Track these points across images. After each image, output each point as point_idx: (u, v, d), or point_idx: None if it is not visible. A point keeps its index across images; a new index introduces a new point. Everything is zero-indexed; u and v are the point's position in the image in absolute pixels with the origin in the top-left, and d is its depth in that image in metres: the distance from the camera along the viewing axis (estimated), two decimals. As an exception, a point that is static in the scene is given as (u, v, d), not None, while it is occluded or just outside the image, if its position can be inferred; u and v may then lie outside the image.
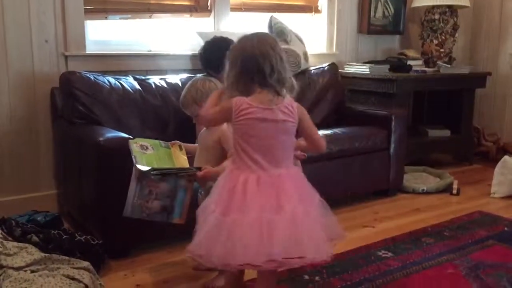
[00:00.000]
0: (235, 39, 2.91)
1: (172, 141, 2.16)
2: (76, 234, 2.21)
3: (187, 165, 2.09)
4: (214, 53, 2.76)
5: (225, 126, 1.96)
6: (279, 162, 1.64)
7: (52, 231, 2.16)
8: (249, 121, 1.61)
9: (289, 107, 1.66)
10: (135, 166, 1.90)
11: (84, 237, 2.21)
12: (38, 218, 2.43)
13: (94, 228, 2.39)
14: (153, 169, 1.90)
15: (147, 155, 2.00)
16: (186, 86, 2.15)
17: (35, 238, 2.08)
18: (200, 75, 2.84)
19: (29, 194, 2.83)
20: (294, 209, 1.57)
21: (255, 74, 1.62)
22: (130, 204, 1.93)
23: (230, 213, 1.56)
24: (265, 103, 1.62)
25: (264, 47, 1.63)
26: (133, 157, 1.95)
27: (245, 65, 1.63)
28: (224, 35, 3.17)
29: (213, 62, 2.74)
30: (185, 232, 2.41)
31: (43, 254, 1.96)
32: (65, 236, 2.17)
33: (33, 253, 1.95)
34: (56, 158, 2.87)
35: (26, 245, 2.00)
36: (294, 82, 1.70)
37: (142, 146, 2.02)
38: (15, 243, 1.99)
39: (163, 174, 1.92)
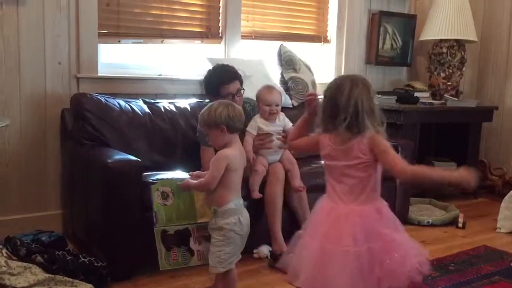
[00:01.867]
0: (244, 66, 2.98)
1: (191, 174, 2.14)
2: (80, 256, 2.21)
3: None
4: (213, 80, 2.80)
5: (225, 151, 1.98)
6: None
7: (57, 252, 2.16)
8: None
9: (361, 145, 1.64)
10: (155, 228, 2.06)
11: (88, 258, 2.20)
12: (43, 238, 2.43)
13: (98, 250, 2.39)
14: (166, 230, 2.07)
15: (167, 208, 2.07)
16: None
17: (39, 258, 2.08)
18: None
19: (35, 214, 2.84)
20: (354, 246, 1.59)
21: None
22: (159, 259, 2.08)
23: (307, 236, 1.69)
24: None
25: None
26: (153, 214, 2.05)
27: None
28: (234, 62, 3.23)
29: (212, 88, 2.78)
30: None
31: (46, 275, 1.96)
32: (69, 257, 2.17)
33: (37, 274, 1.95)
34: (63, 179, 2.89)
35: (30, 265, 2.00)
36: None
37: (163, 194, 2.07)
38: (20, 263, 2.00)
39: (176, 232, 2.07)
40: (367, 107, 1.64)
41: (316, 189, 2.79)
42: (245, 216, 2.00)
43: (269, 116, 2.69)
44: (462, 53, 4.12)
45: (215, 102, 2.07)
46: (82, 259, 2.19)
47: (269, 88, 2.76)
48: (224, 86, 2.70)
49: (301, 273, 1.66)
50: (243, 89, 2.81)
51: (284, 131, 2.73)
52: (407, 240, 1.68)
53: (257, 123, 2.69)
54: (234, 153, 1.97)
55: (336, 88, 1.67)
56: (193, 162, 2.84)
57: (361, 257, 1.58)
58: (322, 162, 1.77)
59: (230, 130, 1.97)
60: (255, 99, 2.82)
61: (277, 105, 2.70)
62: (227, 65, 2.87)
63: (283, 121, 2.75)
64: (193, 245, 2.09)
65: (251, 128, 2.69)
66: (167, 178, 2.21)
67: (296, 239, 1.75)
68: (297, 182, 2.68)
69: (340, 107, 1.62)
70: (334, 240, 1.61)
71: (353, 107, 1.61)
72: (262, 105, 2.69)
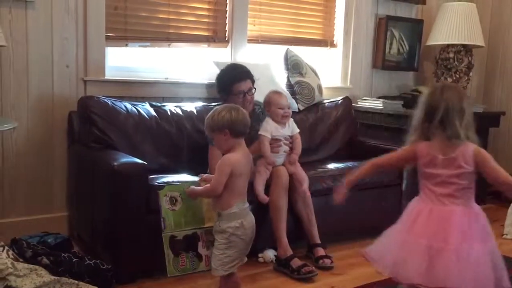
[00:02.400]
0: (251, 70, 3.00)
1: (200, 176, 2.15)
2: (85, 258, 2.22)
3: None
4: (226, 77, 2.86)
5: (229, 156, 1.99)
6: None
7: (63, 254, 2.17)
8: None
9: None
10: (163, 233, 2.08)
11: (93, 261, 2.21)
12: (49, 240, 2.44)
13: (103, 253, 2.40)
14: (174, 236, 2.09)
15: (175, 213, 2.08)
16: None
17: (45, 260, 2.09)
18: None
19: (41, 216, 2.85)
20: (458, 244, 1.71)
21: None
22: (166, 264, 2.09)
23: (405, 234, 1.82)
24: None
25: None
26: (161, 220, 2.06)
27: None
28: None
29: (225, 86, 2.84)
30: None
31: (52, 277, 1.96)
32: (75, 260, 2.17)
33: (43, 276, 1.96)
34: (70, 181, 2.90)
35: (36, 267, 2.01)
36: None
37: (171, 199, 2.09)
38: (26, 265, 2.01)
39: (185, 237, 2.09)
40: (458, 107, 1.76)
41: (321, 193, 2.81)
42: (248, 221, 1.99)
43: (282, 119, 2.72)
44: (469, 58, 4.11)
45: (220, 106, 2.08)
46: (88, 262, 2.20)
47: (278, 93, 2.82)
48: (236, 84, 2.77)
49: (401, 267, 1.79)
50: (255, 89, 2.85)
51: (291, 137, 2.76)
52: (495, 249, 1.79)
53: (270, 126, 2.70)
54: (238, 158, 1.97)
55: (429, 93, 1.84)
56: (199, 166, 2.84)
57: (467, 254, 1.70)
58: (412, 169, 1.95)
59: (233, 134, 1.97)
60: (262, 103, 2.84)
61: (288, 108, 2.73)
62: (241, 65, 2.94)
63: (291, 126, 2.77)
64: (201, 250, 2.10)
65: (266, 131, 2.69)
66: (175, 183, 2.20)
67: (389, 235, 1.93)
68: (303, 186, 2.67)
69: (433, 110, 1.78)
70: (441, 239, 1.72)
71: (443, 109, 1.76)
72: (275, 108, 2.71)
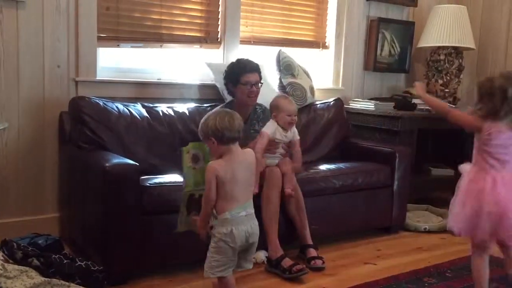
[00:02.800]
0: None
1: None
2: (76, 259, 2.21)
3: None
4: (235, 68, 2.89)
5: (212, 163, 1.98)
6: None
7: (53, 255, 2.16)
8: None
9: None
10: (183, 190, 2.14)
11: (84, 262, 2.20)
12: (39, 241, 2.42)
13: (95, 254, 2.38)
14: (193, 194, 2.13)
15: (196, 171, 2.12)
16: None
17: (36, 261, 2.08)
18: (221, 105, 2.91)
19: (32, 217, 2.83)
20: None
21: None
22: (178, 221, 2.16)
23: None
24: None
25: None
26: (183, 176, 2.12)
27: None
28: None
29: (233, 75, 2.87)
30: (185, 263, 2.42)
31: (43, 279, 1.95)
32: (65, 261, 2.16)
33: (33, 277, 1.94)
34: (61, 182, 2.89)
35: (27, 268, 2.00)
36: None
37: (194, 157, 2.13)
38: (16, 266, 1.99)
39: (201, 196, 2.06)
40: None
41: (314, 195, 2.82)
42: (241, 229, 1.94)
43: (289, 126, 2.75)
44: (460, 60, 4.14)
45: (212, 111, 2.10)
46: (79, 263, 2.18)
47: (287, 98, 2.85)
48: (245, 74, 2.81)
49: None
50: (261, 83, 2.88)
51: (290, 141, 2.80)
52: None
53: (275, 128, 2.72)
54: (221, 164, 1.95)
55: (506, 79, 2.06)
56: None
57: None
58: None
59: (219, 141, 1.96)
60: (267, 105, 2.87)
61: (295, 115, 2.76)
62: (249, 60, 2.96)
63: (293, 132, 2.80)
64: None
65: (268, 129, 2.70)
66: (198, 142, 2.19)
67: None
68: (288, 187, 2.66)
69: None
70: None
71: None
72: (284, 114, 2.72)
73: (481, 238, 2.10)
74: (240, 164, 1.99)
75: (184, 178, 2.14)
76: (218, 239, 1.94)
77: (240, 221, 1.95)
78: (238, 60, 2.94)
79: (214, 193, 1.94)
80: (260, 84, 2.87)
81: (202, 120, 2.04)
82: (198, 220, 2.03)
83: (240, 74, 2.82)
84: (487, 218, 2.04)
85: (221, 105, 2.93)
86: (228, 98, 3.07)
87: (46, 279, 1.97)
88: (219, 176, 1.93)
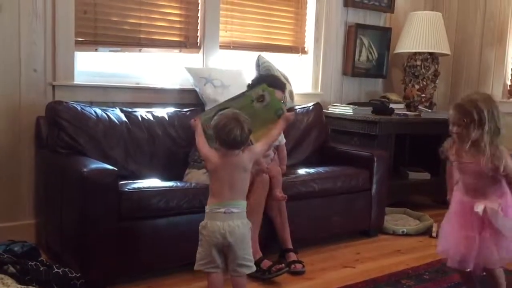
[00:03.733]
0: (223, 76, 3.02)
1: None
2: (54, 266, 2.18)
3: None
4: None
5: (209, 151, 2.08)
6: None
7: (30, 263, 2.12)
8: None
9: None
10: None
11: (61, 269, 2.17)
12: (15, 248, 2.37)
13: (72, 260, 2.35)
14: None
15: (251, 106, 2.27)
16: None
17: (11, 269, 2.04)
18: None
19: (8, 223, 2.77)
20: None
21: None
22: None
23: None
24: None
25: None
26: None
27: None
28: (213, 72, 3.25)
29: None
30: (164, 268, 2.40)
31: (19, 286, 1.92)
32: (42, 268, 2.13)
33: (9, 285, 1.91)
34: (37, 188, 2.84)
35: (2, 276, 1.96)
36: None
37: (259, 97, 2.29)
38: (-9, 274, 1.95)
39: None
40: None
41: (293, 199, 2.83)
42: (215, 224, 1.98)
43: None
44: (436, 66, 4.22)
45: (231, 111, 2.11)
46: (56, 270, 2.15)
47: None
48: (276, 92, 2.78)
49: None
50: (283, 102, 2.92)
51: (278, 145, 2.85)
52: None
53: None
54: (215, 156, 2.03)
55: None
56: (169, 172, 2.83)
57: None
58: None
59: (218, 141, 2.02)
60: None
61: None
62: (278, 77, 3.05)
63: (281, 136, 2.81)
64: None
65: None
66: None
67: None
68: (279, 191, 2.68)
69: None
70: None
71: None
72: None
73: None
74: (225, 165, 2.02)
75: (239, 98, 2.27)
76: (199, 230, 2.03)
77: (217, 217, 2.00)
78: (267, 76, 3.01)
79: (198, 142, 2.10)
80: (283, 101, 2.89)
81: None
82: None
83: None
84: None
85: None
86: (208, 102, 3.08)
87: (23, 286, 1.94)
88: (208, 163, 2.05)
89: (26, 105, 2.80)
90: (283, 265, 2.55)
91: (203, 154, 2.09)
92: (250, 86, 2.85)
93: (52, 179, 2.62)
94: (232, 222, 2.01)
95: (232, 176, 2.03)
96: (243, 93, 2.41)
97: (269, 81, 2.84)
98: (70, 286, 2.14)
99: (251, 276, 2.51)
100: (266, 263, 2.53)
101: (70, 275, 2.17)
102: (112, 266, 2.29)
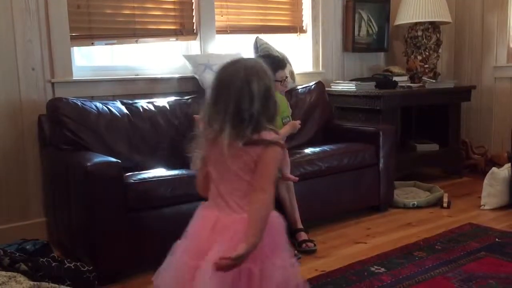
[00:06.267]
0: (222, 60, 3.03)
1: None
2: (65, 261, 2.19)
3: None
4: (269, 65, 2.89)
5: None
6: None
7: (41, 259, 2.13)
8: None
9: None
10: None
11: (73, 264, 2.18)
12: (27, 247, 2.39)
13: (83, 255, 2.36)
14: None
15: None
16: None
17: (23, 266, 2.05)
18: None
19: (19, 223, 2.80)
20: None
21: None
22: None
23: None
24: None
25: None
26: None
27: None
28: (211, 57, 3.23)
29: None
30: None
31: (32, 283, 1.93)
32: (54, 264, 2.14)
33: (22, 282, 1.92)
34: (44, 185, 2.85)
35: (15, 274, 1.97)
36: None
37: None
38: (4, 273, 1.97)
39: None
40: None
41: (301, 178, 2.80)
42: None
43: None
44: (438, 35, 4.15)
45: None
46: (68, 265, 2.16)
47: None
48: (279, 71, 2.83)
49: None
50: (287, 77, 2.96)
51: None
52: None
53: None
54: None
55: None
56: (174, 161, 2.82)
57: None
58: None
59: None
60: None
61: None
62: (280, 56, 3.07)
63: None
64: None
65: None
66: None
67: None
68: (288, 172, 2.67)
69: None
70: None
71: None
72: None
73: None
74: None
75: None
76: None
77: None
78: (269, 56, 3.00)
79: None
80: (286, 79, 2.93)
81: None
82: None
83: (275, 70, 2.79)
84: None
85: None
86: (208, 88, 3.05)
87: (35, 283, 1.95)
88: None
89: (27, 105, 2.80)
90: (296, 252, 2.53)
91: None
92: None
93: (58, 176, 2.63)
94: None
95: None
96: None
97: (270, 62, 2.84)
98: (83, 280, 2.15)
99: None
100: None
101: (82, 269, 2.18)
102: (122, 258, 2.30)
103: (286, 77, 2.96)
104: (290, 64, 3.62)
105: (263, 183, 1.39)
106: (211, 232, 1.42)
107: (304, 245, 2.65)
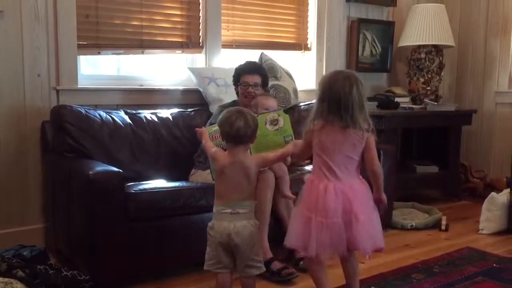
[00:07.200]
0: (226, 74, 3.05)
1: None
2: (62, 269, 2.19)
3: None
4: (237, 68, 2.98)
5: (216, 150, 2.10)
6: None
7: (38, 266, 2.13)
8: None
9: None
10: None
11: (70, 272, 2.18)
12: (24, 253, 2.38)
13: (81, 263, 2.36)
14: None
15: (270, 132, 2.40)
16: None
17: (21, 273, 2.05)
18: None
19: (17, 228, 2.79)
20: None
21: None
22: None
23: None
24: None
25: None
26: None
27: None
28: (216, 71, 3.26)
29: (236, 75, 2.97)
30: (173, 269, 2.41)
31: (28, 290, 1.93)
32: (51, 271, 2.14)
33: (18, 289, 1.92)
34: (45, 192, 2.85)
35: (12, 280, 1.97)
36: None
37: (272, 121, 2.38)
38: (1, 279, 1.96)
39: None
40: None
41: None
42: (221, 225, 1.97)
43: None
44: (440, 58, 4.19)
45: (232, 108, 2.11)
46: (65, 273, 2.16)
47: (265, 95, 2.89)
48: (244, 75, 2.88)
49: None
50: (268, 90, 3.02)
51: None
52: None
53: None
54: (223, 156, 2.02)
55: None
56: (176, 172, 2.84)
57: None
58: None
59: (223, 136, 2.02)
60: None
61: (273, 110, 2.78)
62: (256, 62, 3.10)
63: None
64: None
65: None
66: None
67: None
68: (287, 190, 2.67)
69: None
70: None
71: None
72: (261, 110, 2.71)
73: (315, 252, 1.96)
74: (232, 165, 2.00)
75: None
76: (207, 231, 2.02)
77: (224, 217, 1.99)
78: (245, 61, 3.03)
79: (209, 145, 2.11)
80: (260, 87, 2.90)
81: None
82: None
83: (240, 75, 2.90)
84: (319, 228, 1.94)
85: (224, 103, 2.94)
86: (212, 101, 3.08)
87: (32, 290, 1.95)
88: (215, 164, 2.05)
89: (31, 110, 2.81)
90: (294, 270, 2.53)
91: (211, 153, 2.07)
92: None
93: (59, 183, 2.63)
94: (239, 222, 1.99)
95: (239, 177, 2.02)
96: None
97: (241, 67, 2.94)
98: (80, 289, 2.15)
99: (260, 275, 2.51)
100: (276, 265, 2.52)
101: (79, 278, 2.18)
102: (122, 268, 2.29)
103: (259, 85, 2.89)
104: (293, 81, 3.64)
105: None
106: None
107: (301, 262, 2.64)
